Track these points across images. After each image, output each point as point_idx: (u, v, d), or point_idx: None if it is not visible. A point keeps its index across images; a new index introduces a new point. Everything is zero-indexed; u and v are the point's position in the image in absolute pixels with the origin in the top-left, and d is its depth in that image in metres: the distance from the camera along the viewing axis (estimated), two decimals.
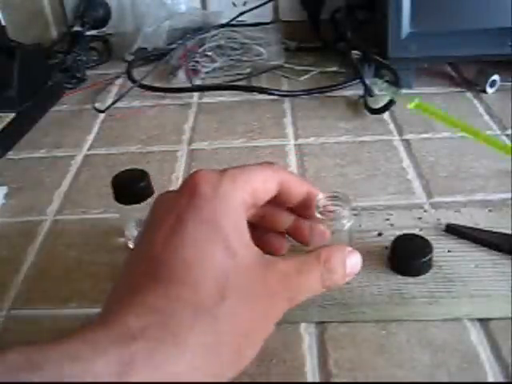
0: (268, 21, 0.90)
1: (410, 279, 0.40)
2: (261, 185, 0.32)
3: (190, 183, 0.30)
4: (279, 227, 0.36)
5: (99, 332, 0.24)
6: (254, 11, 0.87)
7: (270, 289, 0.28)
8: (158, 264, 0.27)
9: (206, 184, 0.30)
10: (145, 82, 0.75)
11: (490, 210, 0.46)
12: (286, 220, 0.36)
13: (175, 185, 0.56)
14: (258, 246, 0.30)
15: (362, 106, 0.67)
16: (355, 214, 0.45)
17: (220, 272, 0.27)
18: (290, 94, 0.72)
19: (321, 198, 0.33)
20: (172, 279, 0.27)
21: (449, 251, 0.42)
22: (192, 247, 0.27)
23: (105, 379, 0.22)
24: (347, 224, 0.33)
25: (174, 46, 0.83)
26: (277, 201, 0.34)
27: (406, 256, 0.40)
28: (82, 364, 0.22)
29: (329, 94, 0.72)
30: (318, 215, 0.33)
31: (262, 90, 0.72)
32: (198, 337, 0.25)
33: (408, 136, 0.62)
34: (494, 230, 0.43)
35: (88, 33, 0.86)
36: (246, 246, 0.29)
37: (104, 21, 0.88)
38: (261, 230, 0.35)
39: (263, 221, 0.35)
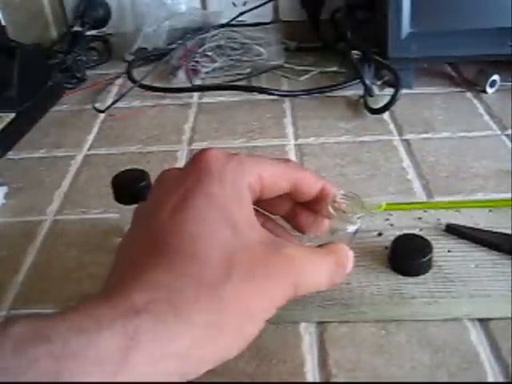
0: (268, 21, 0.90)
1: (410, 279, 0.40)
2: (270, 178, 0.31)
3: (198, 161, 0.30)
4: (278, 210, 0.35)
5: (104, 307, 0.24)
6: (254, 11, 0.87)
7: (275, 270, 0.28)
8: (163, 239, 0.27)
9: (215, 162, 0.29)
10: (145, 82, 0.75)
11: (490, 210, 0.46)
12: (286, 205, 0.35)
13: None
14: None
15: (362, 106, 0.67)
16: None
17: (226, 249, 0.27)
18: (290, 94, 0.72)
19: (337, 195, 0.33)
20: (176, 254, 0.26)
21: (449, 251, 0.42)
22: (197, 222, 0.27)
23: (109, 353, 0.22)
24: (354, 227, 0.33)
25: (174, 45, 0.83)
26: (288, 197, 0.33)
27: (406, 256, 0.40)
28: (87, 337, 0.22)
29: (329, 93, 0.72)
30: (332, 210, 0.32)
31: (261, 90, 0.72)
32: (202, 313, 0.25)
33: (408, 136, 0.62)
34: (494, 230, 0.43)
35: (88, 33, 0.85)
36: (252, 226, 0.29)
37: (104, 21, 0.88)
38: (264, 218, 0.35)
39: (261, 203, 0.34)
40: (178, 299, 0.25)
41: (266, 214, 0.35)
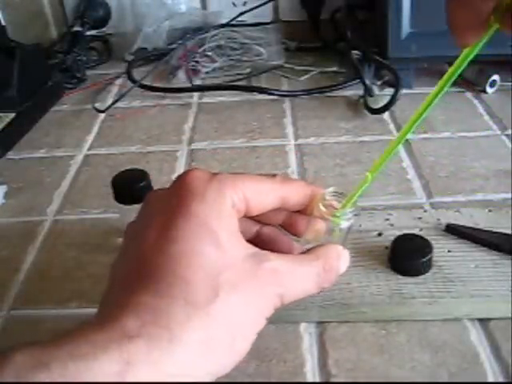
0: (268, 21, 0.90)
1: (410, 279, 0.40)
2: (255, 196, 0.31)
3: (181, 182, 0.30)
4: (273, 221, 0.35)
5: (98, 333, 0.25)
6: (254, 11, 0.87)
7: (260, 283, 0.28)
8: (148, 262, 0.28)
9: (196, 183, 0.30)
10: (145, 82, 0.75)
11: (489, 210, 0.46)
12: (281, 214, 0.35)
13: None
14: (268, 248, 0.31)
15: (362, 106, 0.67)
16: (355, 215, 0.45)
17: (210, 268, 0.27)
18: (290, 94, 0.72)
19: (326, 192, 0.33)
20: (161, 276, 0.27)
21: (449, 251, 0.42)
22: (180, 244, 0.28)
23: (106, 377, 0.23)
24: (347, 223, 0.33)
25: (174, 45, 0.83)
26: (281, 207, 0.34)
27: (406, 256, 0.40)
28: (84, 362, 0.23)
29: (329, 94, 0.72)
30: (322, 208, 0.33)
31: (261, 90, 0.72)
32: (192, 333, 0.26)
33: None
34: (494, 230, 0.43)
35: (88, 33, 0.86)
36: (236, 242, 0.29)
37: (104, 21, 0.88)
38: (261, 224, 0.35)
39: (257, 215, 0.34)
40: (168, 320, 0.26)
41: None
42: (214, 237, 0.28)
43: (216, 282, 0.27)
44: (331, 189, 0.33)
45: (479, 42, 0.28)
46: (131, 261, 0.29)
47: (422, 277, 0.40)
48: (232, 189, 0.30)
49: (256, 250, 0.30)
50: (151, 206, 0.31)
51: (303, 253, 0.33)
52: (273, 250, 0.34)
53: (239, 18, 0.87)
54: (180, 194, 0.30)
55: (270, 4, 0.88)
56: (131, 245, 0.30)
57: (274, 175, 0.33)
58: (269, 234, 0.35)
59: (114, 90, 0.78)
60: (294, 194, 0.33)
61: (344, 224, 0.33)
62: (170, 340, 0.25)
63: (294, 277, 0.30)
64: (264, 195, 0.32)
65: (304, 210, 0.34)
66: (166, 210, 0.29)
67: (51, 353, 0.23)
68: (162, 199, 0.31)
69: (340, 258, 0.32)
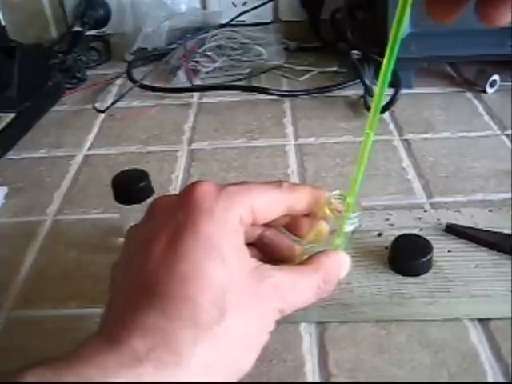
0: (268, 21, 0.90)
1: (410, 279, 0.40)
2: (262, 207, 0.31)
3: (189, 196, 0.30)
4: (277, 223, 0.35)
5: (107, 354, 0.25)
6: (254, 11, 0.87)
7: (262, 301, 0.29)
8: (155, 280, 0.28)
9: (204, 199, 0.30)
10: (145, 82, 0.75)
11: (489, 210, 0.46)
12: (285, 216, 0.35)
13: (175, 184, 0.56)
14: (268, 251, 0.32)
15: (362, 106, 0.67)
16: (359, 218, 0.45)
17: (216, 287, 0.27)
18: (290, 94, 0.72)
19: (331, 195, 0.33)
20: (168, 295, 0.27)
21: (449, 251, 0.42)
22: (188, 263, 0.28)
23: None
24: (351, 227, 0.33)
25: (173, 46, 0.83)
26: (285, 216, 0.34)
27: (406, 256, 0.40)
28: None
29: (329, 93, 0.72)
30: (328, 212, 0.33)
31: (262, 90, 0.72)
32: (200, 356, 0.26)
33: (408, 136, 0.62)
34: (494, 230, 0.43)
35: (88, 33, 0.86)
36: (240, 257, 0.29)
37: (104, 21, 0.88)
38: (264, 227, 0.35)
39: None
40: (176, 343, 0.26)
41: None
42: (220, 255, 0.28)
43: (222, 302, 0.27)
44: (336, 192, 0.33)
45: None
46: (136, 275, 0.29)
47: (422, 277, 0.40)
48: (240, 203, 0.30)
49: (258, 263, 0.30)
50: (158, 217, 0.31)
51: (304, 261, 0.33)
52: (274, 253, 0.35)
53: (239, 18, 0.87)
54: (187, 209, 0.29)
55: (270, 4, 0.88)
56: (136, 256, 0.30)
57: (281, 182, 0.33)
58: (271, 237, 0.35)
59: (114, 90, 0.78)
60: (299, 201, 0.33)
61: (348, 227, 0.33)
62: (177, 363, 0.25)
63: (295, 291, 0.30)
64: (271, 206, 0.32)
65: (309, 213, 0.34)
66: (173, 225, 0.29)
67: (61, 376, 0.24)
68: (168, 211, 0.31)
69: (341, 266, 0.33)
